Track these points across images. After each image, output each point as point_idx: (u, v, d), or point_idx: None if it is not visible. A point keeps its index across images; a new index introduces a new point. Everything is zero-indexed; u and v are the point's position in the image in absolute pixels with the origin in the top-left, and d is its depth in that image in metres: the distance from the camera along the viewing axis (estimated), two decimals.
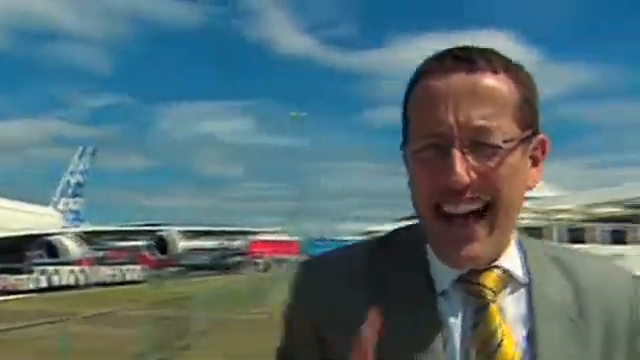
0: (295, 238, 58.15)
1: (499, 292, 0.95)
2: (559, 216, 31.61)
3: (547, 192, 32.36)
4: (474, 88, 0.89)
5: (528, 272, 0.98)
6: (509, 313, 0.95)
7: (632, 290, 1.01)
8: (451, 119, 0.88)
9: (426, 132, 0.90)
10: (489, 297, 0.94)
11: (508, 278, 0.96)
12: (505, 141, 0.88)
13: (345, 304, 0.97)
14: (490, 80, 0.90)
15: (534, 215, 27.29)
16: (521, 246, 1.00)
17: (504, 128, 0.89)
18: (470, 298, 0.95)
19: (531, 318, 0.95)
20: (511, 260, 0.97)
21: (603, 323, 0.97)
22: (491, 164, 0.88)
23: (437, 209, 0.90)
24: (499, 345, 0.92)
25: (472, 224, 0.89)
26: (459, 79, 0.90)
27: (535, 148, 0.95)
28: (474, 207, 0.89)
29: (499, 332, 0.92)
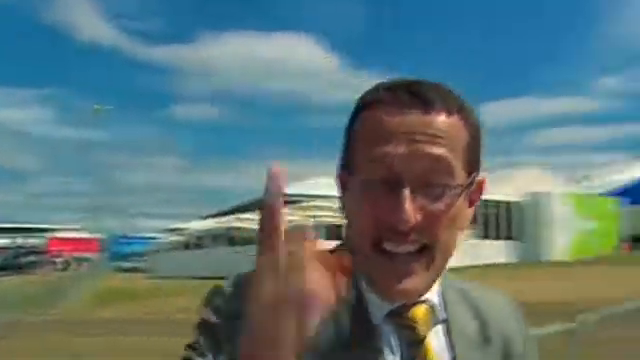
0: (96, 235, 55.92)
1: (429, 326, 0.96)
2: None
3: None
4: (429, 128, 0.87)
5: (445, 306, 1.00)
6: (433, 346, 0.96)
7: (519, 316, 1.09)
8: (404, 155, 0.86)
9: (375, 164, 0.87)
10: (422, 332, 0.95)
11: (433, 312, 0.97)
12: (455, 185, 0.88)
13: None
14: (445, 121, 0.88)
15: (335, 214, 28.37)
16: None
17: (455, 170, 0.88)
18: (403, 332, 0.94)
19: (451, 351, 0.97)
20: (433, 295, 0.98)
21: (501, 348, 1.03)
22: (439, 206, 0.87)
23: (376, 244, 0.88)
24: None
25: (410, 261, 0.88)
26: (415, 117, 0.87)
27: (474, 190, 0.95)
28: (412, 248, 0.88)
29: None
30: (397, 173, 0.86)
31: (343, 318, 0.92)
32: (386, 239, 0.87)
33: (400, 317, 0.94)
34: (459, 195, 0.89)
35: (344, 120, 0.97)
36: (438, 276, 0.95)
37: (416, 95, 0.88)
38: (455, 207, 0.89)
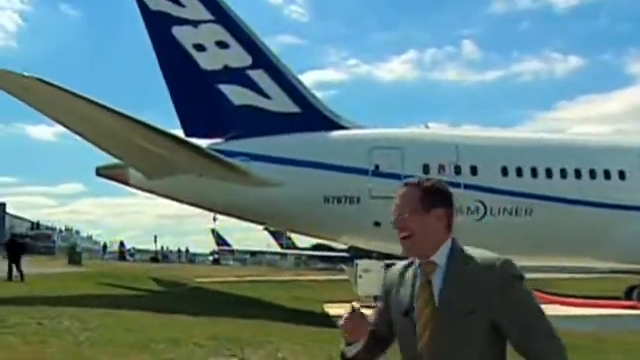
0: None
1: (432, 274, 2.29)
2: None
3: None
4: (403, 195, 2.49)
5: (448, 264, 2.26)
6: (434, 284, 2.27)
7: (503, 271, 2.25)
8: (395, 206, 2.52)
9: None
10: (428, 277, 2.30)
11: (434, 266, 2.30)
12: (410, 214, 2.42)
13: (397, 287, 2.41)
14: (409, 190, 2.53)
15: None
16: (453, 246, 2.33)
17: (412, 208, 2.44)
18: (422, 277, 2.32)
19: (443, 288, 2.25)
20: (438, 258, 2.29)
21: (478, 291, 2.22)
22: (407, 219, 2.41)
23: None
24: (431, 298, 2.28)
25: (406, 241, 2.37)
26: (400, 190, 2.52)
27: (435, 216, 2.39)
28: (404, 235, 2.35)
29: (432, 292, 2.30)
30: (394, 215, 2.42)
31: (414, 274, 2.45)
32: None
33: (421, 269, 2.37)
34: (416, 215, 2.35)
35: None
36: (420, 249, 2.37)
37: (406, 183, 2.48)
38: (415, 220, 2.37)
